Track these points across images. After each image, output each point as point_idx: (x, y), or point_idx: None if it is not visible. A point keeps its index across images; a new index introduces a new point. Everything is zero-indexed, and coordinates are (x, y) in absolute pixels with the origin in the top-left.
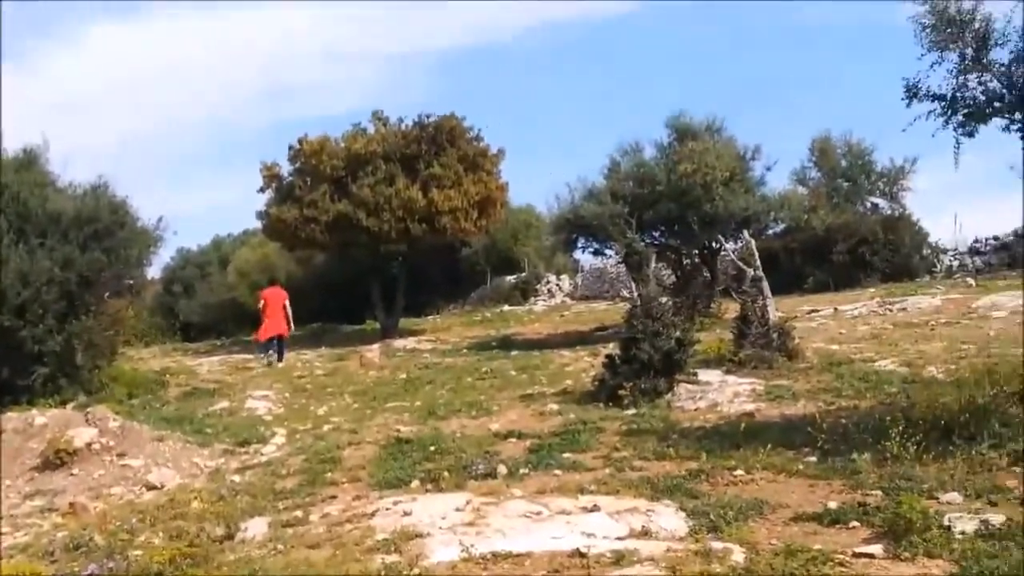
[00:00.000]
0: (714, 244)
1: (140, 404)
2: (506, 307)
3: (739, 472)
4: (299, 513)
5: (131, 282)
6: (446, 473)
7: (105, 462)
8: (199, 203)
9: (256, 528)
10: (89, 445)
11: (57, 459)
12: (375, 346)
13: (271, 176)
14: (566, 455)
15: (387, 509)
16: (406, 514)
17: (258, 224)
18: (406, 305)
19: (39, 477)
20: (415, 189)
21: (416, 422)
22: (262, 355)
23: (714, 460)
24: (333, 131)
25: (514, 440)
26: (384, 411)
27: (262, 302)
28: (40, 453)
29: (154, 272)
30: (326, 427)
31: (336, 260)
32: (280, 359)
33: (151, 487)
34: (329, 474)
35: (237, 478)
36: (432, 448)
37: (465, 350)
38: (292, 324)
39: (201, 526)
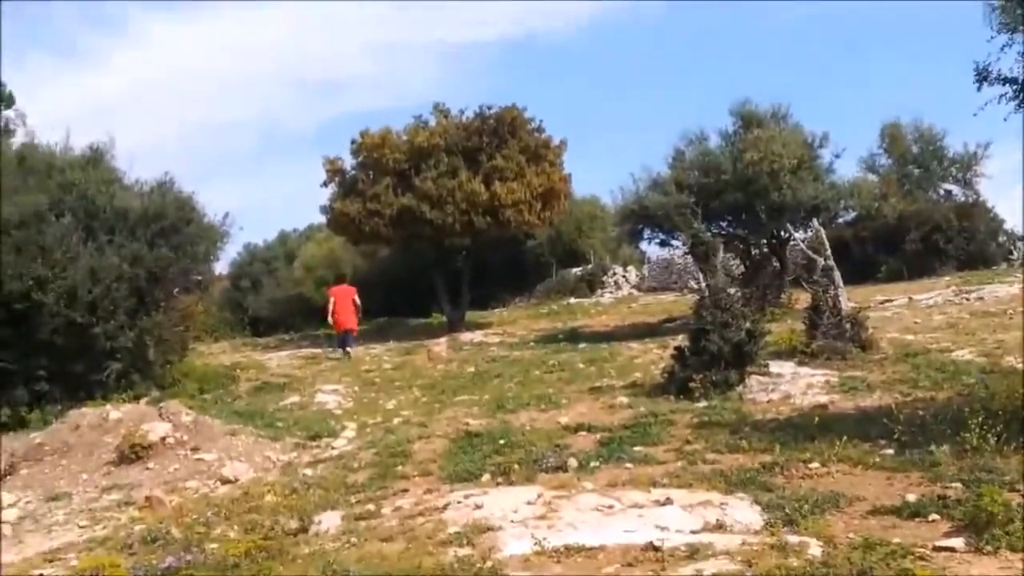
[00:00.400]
0: (783, 233)
1: (212, 399)
2: (572, 299)
3: (814, 465)
4: (371, 506)
5: (199, 278)
6: (516, 466)
7: (179, 456)
8: (265, 198)
9: (329, 521)
10: (163, 439)
11: (132, 453)
12: (442, 340)
13: (334, 170)
14: (637, 448)
15: (458, 502)
16: (477, 507)
17: (323, 219)
18: (471, 298)
19: (115, 471)
20: (477, 182)
21: (485, 415)
22: (336, 349)
23: (788, 453)
24: (395, 124)
25: (584, 433)
26: (453, 404)
27: (332, 299)
28: (116, 447)
29: (221, 268)
30: (396, 421)
31: (401, 254)
32: (348, 352)
33: (225, 481)
34: (400, 467)
35: (309, 471)
36: (502, 441)
37: (532, 343)
38: (360, 318)
39: (275, 519)
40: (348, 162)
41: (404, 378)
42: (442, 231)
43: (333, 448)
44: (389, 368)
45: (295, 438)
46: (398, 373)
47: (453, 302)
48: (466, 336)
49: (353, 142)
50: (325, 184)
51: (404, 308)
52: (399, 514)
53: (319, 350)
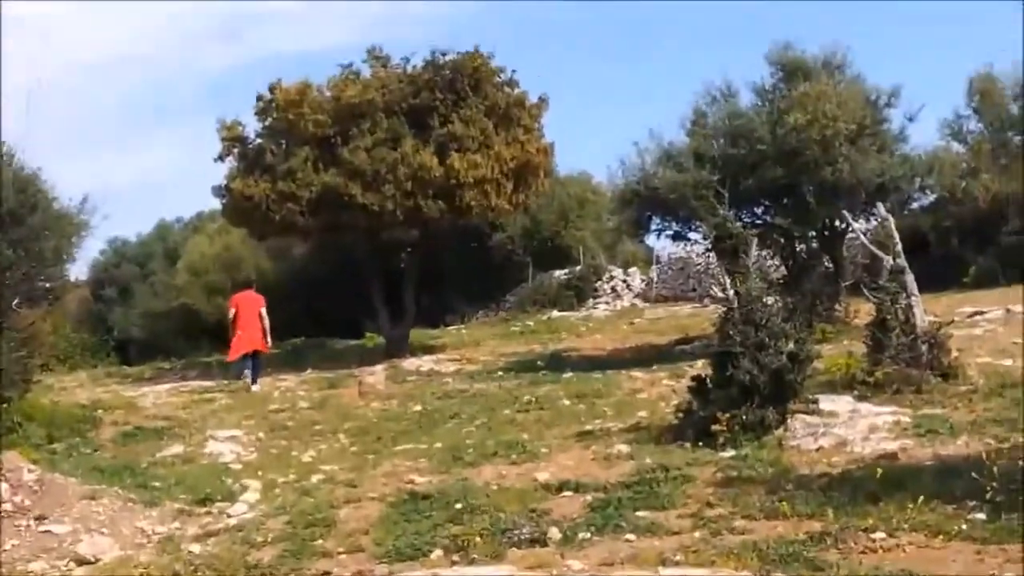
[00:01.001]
0: (838, 223)
1: (64, 450)
2: (555, 313)
3: (879, 535)
4: None
5: (48, 285)
6: (478, 539)
7: (20, 528)
8: (136, 176)
9: None
10: None
11: None
12: (378, 368)
13: (233, 138)
14: (641, 513)
15: None
16: None
17: (216, 203)
18: (419, 312)
19: None
20: (428, 153)
21: (436, 470)
22: (234, 378)
23: (844, 519)
24: (315, 75)
25: (569, 494)
26: (392, 456)
27: (232, 310)
28: None
29: (78, 271)
30: (315, 478)
31: (323, 251)
32: (255, 382)
33: (82, 561)
34: (320, 541)
35: (197, 548)
36: (459, 505)
37: (501, 372)
38: (269, 338)
39: None
40: (252, 127)
41: (327, 420)
42: (379, 220)
43: (229, 516)
44: (306, 407)
45: (177, 503)
46: (319, 413)
47: (394, 317)
48: (411, 363)
49: (259, 99)
50: (220, 158)
51: (327, 325)
52: None
53: (211, 382)
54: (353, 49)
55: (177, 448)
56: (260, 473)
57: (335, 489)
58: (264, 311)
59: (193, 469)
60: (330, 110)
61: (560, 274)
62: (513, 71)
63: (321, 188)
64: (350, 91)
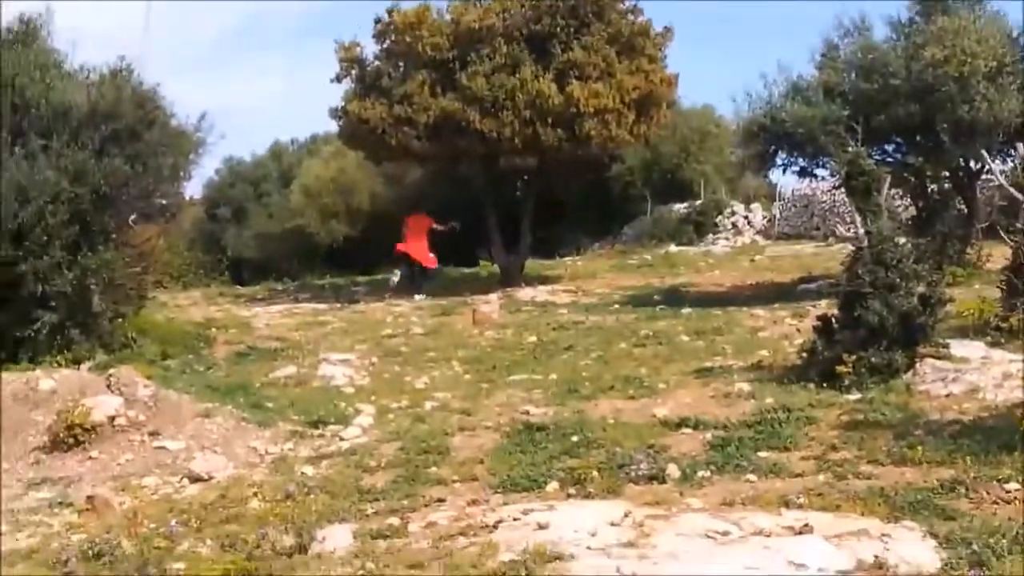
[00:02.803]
0: (972, 163)
1: (178, 367)
2: (673, 247)
3: (1013, 485)
4: (394, 521)
5: (163, 202)
6: (595, 473)
7: (134, 443)
8: (253, 97)
9: (336, 539)
10: (112, 420)
11: (70, 437)
12: (493, 297)
13: (350, 60)
14: (763, 454)
15: (515, 520)
16: (541, 527)
17: (333, 126)
18: (535, 242)
19: (47, 460)
20: (547, 81)
21: (551, 402)
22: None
23: (977, 467)
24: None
25: (688, 431)
26: (507, 386)
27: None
28: (47, 428)
29: (194, 190)
30: (428, 405)
31: (439, 178)
32: (420, 290)
33: (195, 478)
34: (434, 469)
35: (310, 470)
36: (575, 438)
37: (617, 305)
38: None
39: (263, 533)
40: (370, 49)
41: (440, 347)
42: (497, 147)
43: (342, 439)
44: (420, 333)
45: (290, 424)
46: (432, 340)
47: (509, 246)
48: (526, 293)
49: (378, 21)
50: (338, 79)
51: (443, 252)
52: (432, 533)
53: (324, 305)
54: None
55: (290, 369)
56: (373, 398)
57: (449, 417)
58: (435, 227)
59: (306, 391)
60: (449, 34)
61: (679, 208)
62: None
63: (438, 113)
64: (470, 15)
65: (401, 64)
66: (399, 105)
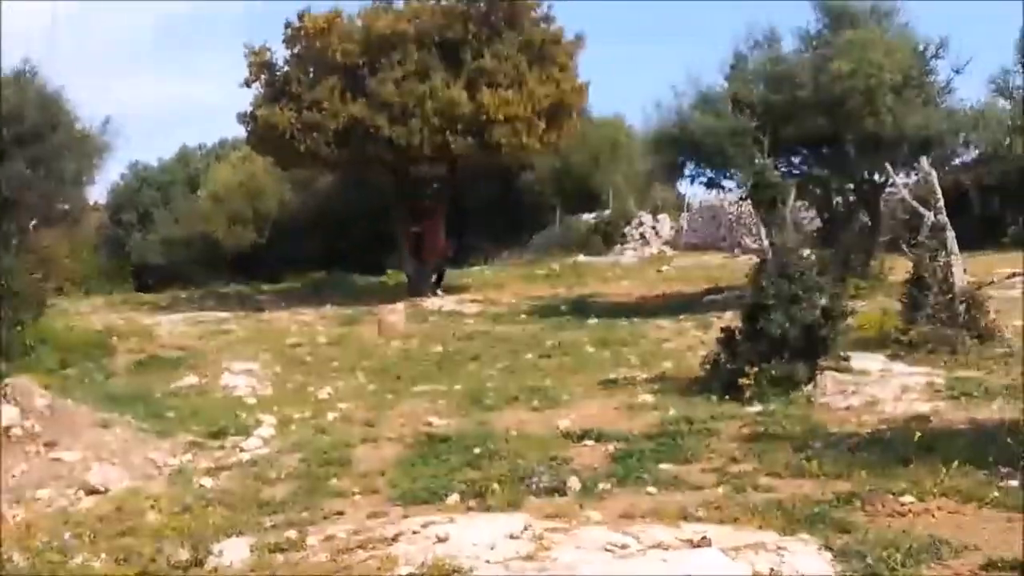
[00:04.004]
0: (877, 176)
1: (77, 376)
2: (582, 257)
3: (908, 499)
4: (293, 534)
5: (67, 207)
6: (496, 485)
7: (29, 454)
8: (161, 101)
9: (234, 552)
10: (7, 430)
11: None
12: (399, 306)
13: (260, 65)
14: (664, 466)
15: (414, 532)
16: (440, 540)
17: (242, 131)
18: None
19: None
20: (458, 87)
21: (455, 413)
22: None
23: (873, 480)
24: (346, 5)
25: (591, 443)
26: (411, 396)
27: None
28: None
29: (97, 194)
30: (331, 416)
31: (348, 184)
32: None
33: (91, 490)
34: (335, 481)
35: (208, 482)
36: (477, 450)
37: (524, 315)
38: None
39: (158, 546)
40: (280, 54)
41: (345, 357)
42: (406, 154)
43: (243, 450)
44: (325, 343)
45: (190, 435)
46: (337, 350)
47: (417, 254)
48: (433, 302)
49: (288, 26)
50: (247, 84)
51: (349, 260)
52: (331, 546)
53: (228, 313)
54: None
55: (192, 379)
56: (275, 408)
57: (352, 428)
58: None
59: (207, 401)
60: (360, 40)
61: (588, 218)
62: (550, 7)
63: (347, 119)
64: (381, 21)
65: (311, 69)
66: (309, 111)
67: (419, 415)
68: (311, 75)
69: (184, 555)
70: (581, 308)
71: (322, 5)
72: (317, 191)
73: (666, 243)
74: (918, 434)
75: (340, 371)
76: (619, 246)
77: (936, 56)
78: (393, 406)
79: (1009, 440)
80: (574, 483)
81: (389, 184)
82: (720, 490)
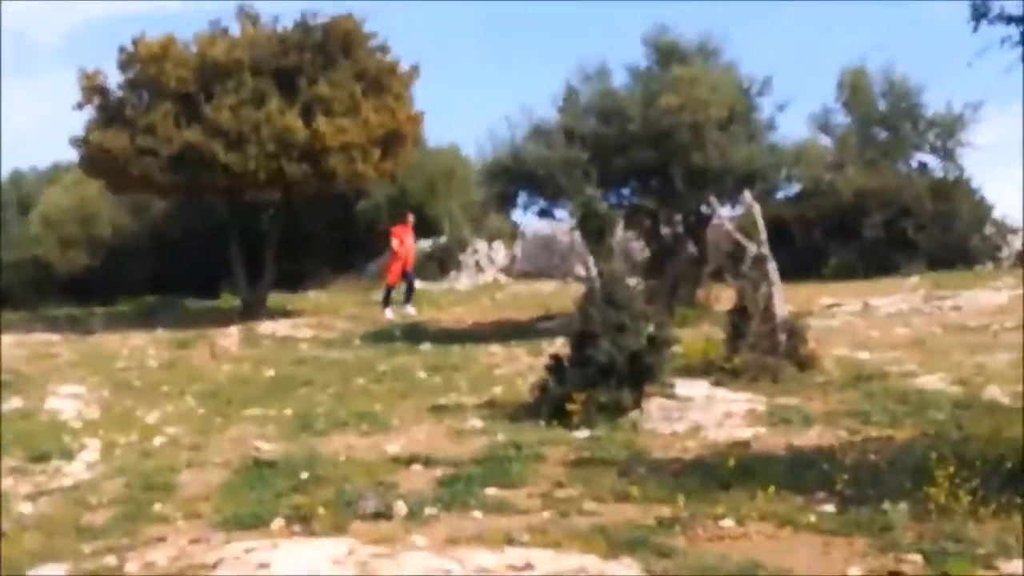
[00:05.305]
0: (704, 208)
1: None
2: (417, 283)
3: (728, 523)
4: (112, 560)
5: None
6: (321, 510)
7: None
8: None
9: None
10: None
11: None
12: (232, 330)
13: (93, 88)
14: (491, 491)
15: (236, 558)
16: (262, 566)
17: (74, 155)
18: (278, 275)
19: None
20: (293, 115)
21: (284, 438)
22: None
23: (694, 505)
24: (182, 30)
25: (419, 467)
26: (241, 421)
27: (395, 241)
28: None
29: None
30: (158, 440)
31: (182, 209)
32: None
33: None
34: (158, 506)
35: (28, 507)
36: (304, 475)
37: (358, 340)
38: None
39: None
40: (114, 79)
41: (175, 381)
42: (241, 180)
43: (65, 475)
44: (155, 366)
45: (12, 460)
46: (167, 374)
47: (252, 279)
48: (267, 327)
49: (122, 50)
50: (79, 106)
51: (183, 284)
52: (150, 572)
53: (57, 336)
54: (224, 7)
55: (16, 403)
56: (101, 432)
57: (178, 452)
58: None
59: (31, 425)
60: (195, 67)
61: (424, 244)
62: (385, 37)
63: (182, 145)
64: (217, 48)
65: (145, 95)
66: (142, 136)
67: (248, 439)
68: (145, 100)
69: None
70: (415, 334)
71: (158, 29)
72: (152, 215)
73: (501, 270)
74: (734, 460)
75: (170, 395)
76: (454, 273)
77: (760, 93)
78: (222, 430)
79: (825, 466)
80: (400, 508)
81: (224, 209)
82: (545, 515)
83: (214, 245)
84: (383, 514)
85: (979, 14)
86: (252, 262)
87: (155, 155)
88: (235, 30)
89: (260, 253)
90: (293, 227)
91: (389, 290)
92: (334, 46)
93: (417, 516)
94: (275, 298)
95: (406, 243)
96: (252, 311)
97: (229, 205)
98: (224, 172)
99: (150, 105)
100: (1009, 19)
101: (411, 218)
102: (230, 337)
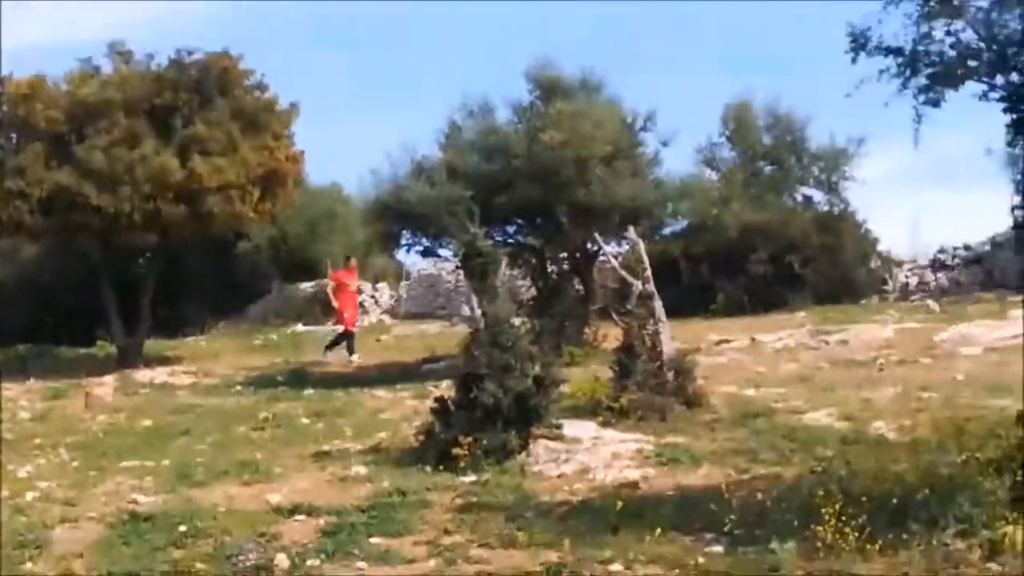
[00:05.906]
0: (590, 246)
1: None
2: (300, 327)
3: (616, 567)
4: None
5: None
6: (200, 565)
7: None
8: None
9: None
10: None
11: None
12: (108, 379)
13: None
14: (375, 540)
15: None
16: None
17: None
18: (155, 321)
19: None
20: (169, 155)
21: (162, 490)
22: (329, 354)
23: (582, 550)
24: (51, 69)
25: (302, 517)
26: (116, 473)
27: (331, 285)
28: None
29: None
30: (29, 496)
31: (55, 253)
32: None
33: None
34: (29, 565)
35: None
36: (183, 528)
37: (239, 387)
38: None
39: None
40: None
41: (48, 433)
42: (115, 223)
43: None
44: (27, 418)
45: None
46: (40, 426)
47: (128, 325)
48: (144, 374)
49: None
50: None
51: (56, 331)
52: None
53: None
54: (95, 44)
55: None
56: None
57: (51, 508)
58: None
59: None
60: (66, 106)
61: (308, 287)
62: (263, 75)
63: (53, 187)
64: (88, 87)
65: (14, 136)
66: (12, 178)
67: (124, 493)
68: (14, 141)
69: None
70: (298, 379)
71: (24, 68)
72: (22, 260)
73: (386, 312)
74: (622, 502)
75: (42, 448)
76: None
77: (644, 128)
78: (97, 484)
79: (713, 506)
80: (282, 560)
81: (97, 253)
82: (431, 563)
83: (88, 291)
84: (264, 567)
85: (858, 46)
86: (128, 308)
87: (25, 198)
88: (108, 68)
89: (136, 298)
90: (170, 271)
91: (351, 336)
92: (210, 84)
93: (299, 568)
94: (152, 345)
95: (350, 288)
96: (128, 359)
97: (103, 249)
98: (97, 214)
99: (19, 146)
100: (887, 51)
101: (354, 262)
102: (105, 386)
